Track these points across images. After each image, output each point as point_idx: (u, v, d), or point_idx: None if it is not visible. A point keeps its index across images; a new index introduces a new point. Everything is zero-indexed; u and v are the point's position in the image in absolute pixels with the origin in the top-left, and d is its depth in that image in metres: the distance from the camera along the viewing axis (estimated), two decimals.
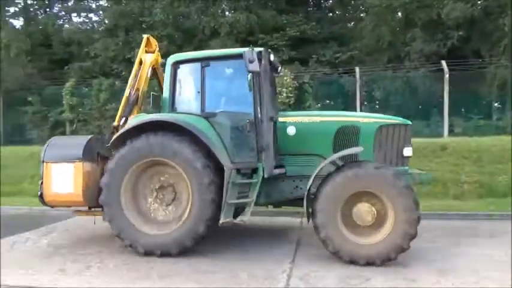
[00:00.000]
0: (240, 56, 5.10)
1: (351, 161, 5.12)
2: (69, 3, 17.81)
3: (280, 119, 5.52)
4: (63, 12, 17.93)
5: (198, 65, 5.47)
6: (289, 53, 15.01)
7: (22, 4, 17.70)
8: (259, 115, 5.16)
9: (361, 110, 12.12)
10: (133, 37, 15.81)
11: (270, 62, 5.54)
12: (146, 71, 6.04)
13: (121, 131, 5.39)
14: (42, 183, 5.57)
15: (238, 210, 5.12)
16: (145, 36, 6.99)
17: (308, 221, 4.87)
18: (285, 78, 12.19)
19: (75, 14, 17.98)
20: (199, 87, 5.39)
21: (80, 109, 13.76)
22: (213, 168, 5.00)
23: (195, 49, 15.76)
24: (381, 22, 14.56)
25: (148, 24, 15.97)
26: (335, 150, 5.24)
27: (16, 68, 14.59)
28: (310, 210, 4.80)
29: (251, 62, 4.95)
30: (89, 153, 5.57)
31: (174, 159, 5.05)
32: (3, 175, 10.16)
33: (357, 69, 12.06)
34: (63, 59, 16.64)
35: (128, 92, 6.04)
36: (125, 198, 5.18)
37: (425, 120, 12.11)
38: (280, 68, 6.35)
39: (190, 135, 5.06)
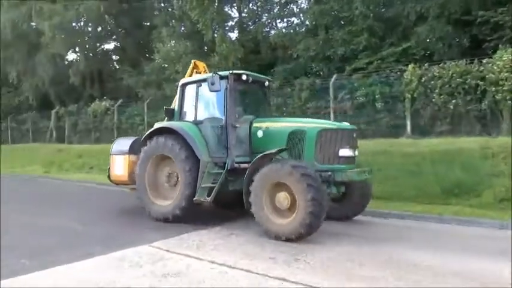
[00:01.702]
0: (222, 78, 7.09)
1: (294, 158, 6.68)
2: (274, 11, 19.47)
3: (255, 124, 7.26)
4: (269, 20, 19.77)
5: (194, 85, 7.79)
6: None
7: (237, 18, 20.36)
8: (227, 122, 7.13)
9: None
10: (332, 34, 16.03)
11: (245, 81, 7.37)
12: None
13: (145, 133, 8.02)
14: (109, 168, 8.89)
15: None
16: (192, 61, 9.37)
17: (246, 208, 6.33)
18: (504, 58, 10.07)
19: (279, 20, 19.58)
20: (194, 101, 7.71)
21: (284, 108, 14.61)
22: (195, 160, 7.15)
23: (399, 39, 14.85)
24: None
25: (347, 19, 15.89)
26: (288, 150, 6.73)
27: None
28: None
29: (212, 84, 6.87)
30: (133, 149, 8.44)
31: (170, 153, 7.43)
32: None
33: None
34: (270, 63, 18.13)
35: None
36: (148, 181, 7.77)
37: None
38: (267, 82, 8.01)
39: (183, 137, 7.30)
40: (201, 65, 9.34)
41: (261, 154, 6.51)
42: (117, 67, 28.14)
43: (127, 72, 22.90)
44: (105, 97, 21.97)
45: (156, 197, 7.71)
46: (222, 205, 8.45)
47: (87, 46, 26.33)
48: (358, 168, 6.88)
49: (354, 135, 6.82)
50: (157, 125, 7.95)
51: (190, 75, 8.87)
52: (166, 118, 8.35)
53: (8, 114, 29.50)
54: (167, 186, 7.75)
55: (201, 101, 7.72)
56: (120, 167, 8.74)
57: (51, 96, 26.74)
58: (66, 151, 19.63)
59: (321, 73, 16.37)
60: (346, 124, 7.02)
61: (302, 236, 5.86)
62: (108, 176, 8.97)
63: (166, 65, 19.77)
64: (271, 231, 6.10)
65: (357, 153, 6.87)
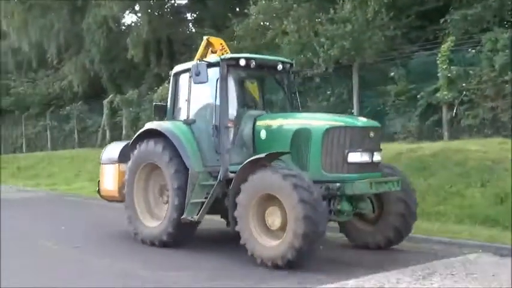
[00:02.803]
0: (214, 65, 8.97)
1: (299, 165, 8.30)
2: None
3: (258, 123, 8.93)
4: None
5: (187, 74, 9.46)
6: None
7: None
8: (217, 122, 8.85)
9: None
10: None
11: (246, 67, 9.05)
12: None
13: (134, 137, 10.04)
14: (99, 181, 11.07)
15: None
16: (205, 38, 11.30)
17: (231, 226, 8.27)
18: None
19: None
20: (187, 95, 9.48)
21: (464, 84, 14.10)
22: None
23: None
24: None
25: None
26: (293, 155, 8.31)
27: (374, 32, 16.31)
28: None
29: (197, 74, 8.57)
30: (125, 156, 10.15)
31: (159, 162, 9.33)
32: None
33: None
34: (438, 9, 17.31)
35: None
36: (137, 194, 9.79)
37: None
38: (280, 65, 9.49)
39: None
40: (217, 42, 11.21)
41: (248, 160, 8.14)
42: (194, 31, 29.47)
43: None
44: None
45: (147, 217, 9.79)
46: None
47: (151, 2, 28.10)
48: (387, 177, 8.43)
49: (372, 134, 8.21)
50: (147, 126, 9.99)
51: (202, 58, 10.34)
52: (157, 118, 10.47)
53: (47, 107, 32.81)
54: (160, 203, 9.77)
55: (194, 94, 9.48)
56: (109, 179, 10.75)
57: (103, 78, 29.19)
58: None
59: None
60: (360, 120, 8.60)
61: (290, 262, 7.43)
62: (98, 191, 11.19)
63: (268, 23, 20.04)
64: (256, 254, 7.81)
65: (378, 158, 8.34)
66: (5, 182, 25.93)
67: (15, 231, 11.55)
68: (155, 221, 9.55)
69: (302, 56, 17.39)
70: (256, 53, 20.47)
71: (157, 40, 27.12)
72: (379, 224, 8.82)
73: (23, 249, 9.63)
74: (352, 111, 16.99)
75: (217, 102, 8.91)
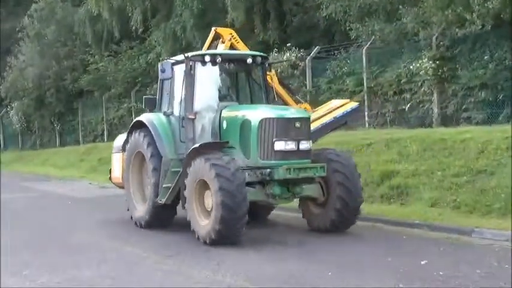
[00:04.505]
0: (174, 64, 12.41)
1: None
2: None
3: (222, 114, 11.90)
4: None
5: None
6: None
7: None
8: (183, 113, 12.13)
9: None
10: None
11: (213, 62, 12.09)
12: None
13: (129, 127, 13.49)
14: (110, 169, 14.95)
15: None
16: (213, 29, 13.83)
17: (183, 207, 11.44)
18: None
19: None
20: (169, 89, 12.85)
21: None
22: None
23: None
24: None
25: None
26: (241, 143, 11.31)
27: None
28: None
29: (162, 71, 12.18)
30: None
31: (145, 155, 12.61)
32: None
33: None
34: None
35: None
36: (132, 181, 13.31)
37: None
38: (250, 59, 12.48)
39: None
40: (226, 32, 13.72)
41: (191, 148, 11.07)
42: None
43: None
44: (288, 44, 23.23)
45: (139, 201, 13.10)
46: None
47: None
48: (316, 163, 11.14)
49: (298, 124, 10.89)
50: (139, 117, 13.10)
51: (209, 49, 13.27)
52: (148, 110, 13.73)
53: (131, 86, 33.49)
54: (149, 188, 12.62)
55: (174, 88, 12.50)
56: (116, 166, 14.24)
57: (197, 49, 28.96)
58: None
59: None
60: (290, 111, 11.76)
61: (215, 241, 10.28)
62: (109, 178, 15.09)
63: None
64: (195, 230, 10.85)
65: (305, 146, 11.01)
66: (85, 177, 27.08)
67: (96, 236, 12.59)
68: (144, 205, 12.78)
69: (450, 11, 17.21)
70: (389, 10, 20.52)
71: (262, 0, 27.05)
72: (326, 208, 11.34)
73: (111, 257, 10.36)
74: None
75: (183, 96, 11.91)
